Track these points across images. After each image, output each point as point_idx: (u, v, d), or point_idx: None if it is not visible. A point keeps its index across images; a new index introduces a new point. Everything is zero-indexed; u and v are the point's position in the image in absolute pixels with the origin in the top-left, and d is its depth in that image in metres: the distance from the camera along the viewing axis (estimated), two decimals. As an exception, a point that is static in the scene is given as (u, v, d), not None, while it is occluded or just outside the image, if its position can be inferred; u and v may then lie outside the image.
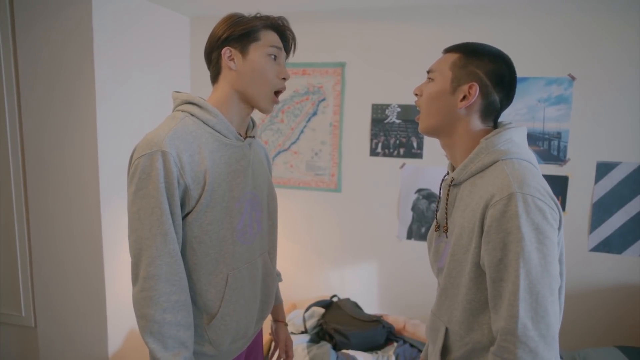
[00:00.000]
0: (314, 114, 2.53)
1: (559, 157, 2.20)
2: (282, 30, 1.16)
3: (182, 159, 1.00)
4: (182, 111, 1.10)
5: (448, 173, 1.07)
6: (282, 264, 2.68)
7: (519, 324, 0.82)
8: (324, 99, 2.51)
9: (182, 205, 1.03)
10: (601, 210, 2.17)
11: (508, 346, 0.83)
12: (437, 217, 1.10)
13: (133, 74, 2.20)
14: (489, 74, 0.96)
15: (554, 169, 2.20)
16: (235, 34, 1.09)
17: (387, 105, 2.41)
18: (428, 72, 1.04)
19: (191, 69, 2.69)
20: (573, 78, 2.15)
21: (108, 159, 2.05)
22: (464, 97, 0.97)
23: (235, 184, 1.11)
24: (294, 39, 1.19)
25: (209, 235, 1.07)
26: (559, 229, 0.90)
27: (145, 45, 2.28)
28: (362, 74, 2.43)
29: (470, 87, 0.96)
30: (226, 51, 1.10)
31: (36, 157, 2.08)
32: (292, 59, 2.77)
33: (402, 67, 2.37)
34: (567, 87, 2.16)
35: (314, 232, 2.61)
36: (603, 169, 2.15)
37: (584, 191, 2.19)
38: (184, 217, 1.05)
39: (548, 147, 2.19)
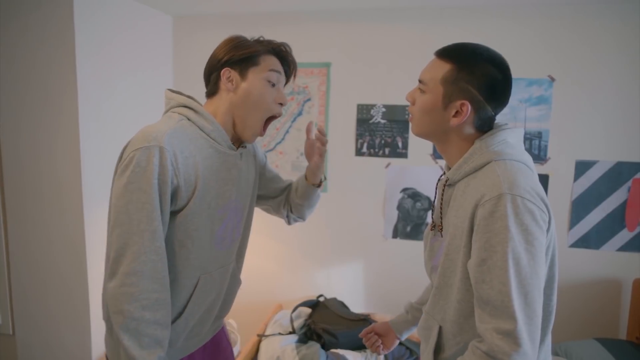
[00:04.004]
0: (299, 114, 2.53)
1: (539, 156, 2.26)
2: (283, 55, 1.16)
3: (178, 159, 1.00)
4: (178, 114, 1.09)
5: (444, 173, 1.08)
6: (268, 264, 2.66)
7: (517, 326, 0.82)
8: (309, 99, 2.51)
9: (170, 203, 1.02)
10: (580, 207, 2.24)
11: (504, 346, 0.82)
12: (433, 216, 1.11)
13: (116, 73, 2.16)
14: (481, 89, 0.94)
15: (535, 168, 2.26)
16: (235, 57, 1.09)
17: (372, 106, 2.43)
18: (419, 81, 1.01)
19: (174, 68, 2.65)
20: (553, 79, 2.21)
21: (91, 160, 2.00)
22: (456, 113, 0.96)
23: (223, 191, 1.11)
24: (294, 65, 1.19)
25: (192, 240, 1.07)
26: (548, 230, 0.91)
27: (128, 44, 2.23)
28: (348, 74, 2.44)
29: (462, 105, 0.95)
30: (225, 72, 1.09)
31: (14, 159, 2.01)
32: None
33: (387, 68, 2.39)
34: (547, 88, 2.21)
35: (300, 232, 2.60)
36: (581, 167, 2.22)
37: (563, 189, 2.25)
38: (170, 217, 1.03)
39: (529, 146, 2.25)
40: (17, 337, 2.14)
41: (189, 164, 1.02)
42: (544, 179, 2.26)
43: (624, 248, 2.21)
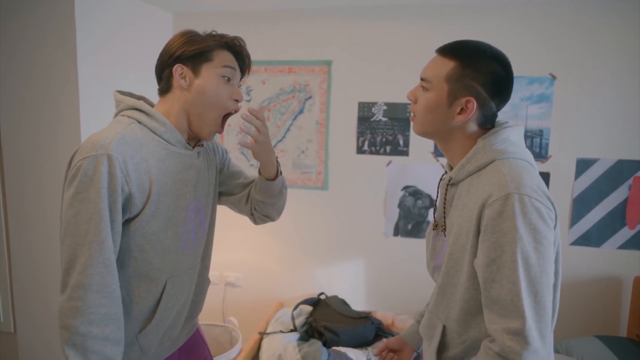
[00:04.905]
0: (300, 112, 2.53)
1: (541, 154, 2.26)
2: (237, 50, 1.12)
3: (128, 165, 0.96)
4: (128, 117, 1.05)
5: (446, 172, 1.08)
6: (269, 262, 2.67)
7: (526, 324, 0.83)
8: (310, 97, 2.51)
9: (124, 211, 0.99)
10: (581, 205, 2.24)
11: (514, 346, 0.83)
12: (435, 216, 1.11)
13: (117, 71, 2.15)
14: (486, 85, 0.94)
15: (536, 166, 2.26)
16: (187, 53, 1.06)
17: (374, 103, 2.43)
18: (422, 79, 1.00)
19: (174, 66, 2.64)
20: (554, 77, 2.21)
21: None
22: (461, 110, 0.96)
23: (182, 193, 1.09)
24: (249, 59, 1.16)
25: (152, 244, 1.04)
26: (555, 227, 0.92)
27: (129, 41, 2.23)
28: (349, 71, 2.44)
29: (467, 102, 0.95)
30: (177, 68, 1.06)
31: (15, 157, 2.01)
32: (278, 56, 2.74)
33: (389, 65, 2.39)
34: (549, 86, 2.21)
35: (301, 230, 2.60)
36: (582, 165, 2.22)
37: (564, 187, 2.25)
38: (124, 224, 1.01)
39: (530, 144, 2.25)
40: (18, 335, 2.14)
41: (141, 169, 0.99)
42: (544, 177, 2.26)
43: (624, 246, 2.21)
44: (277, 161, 1.25)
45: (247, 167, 2.63)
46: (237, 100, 1.12)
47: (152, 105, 1.14)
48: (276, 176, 1.25)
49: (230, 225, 2.48)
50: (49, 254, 2.04)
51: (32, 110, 1.96)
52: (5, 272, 2.11)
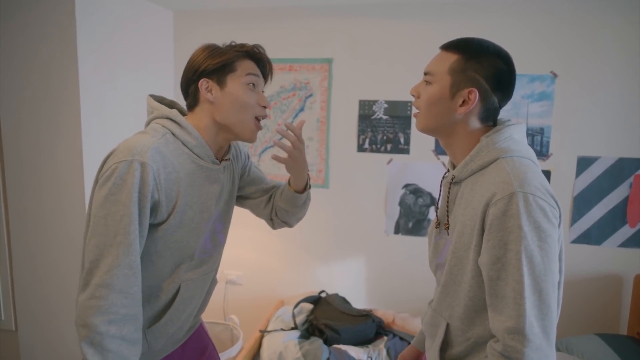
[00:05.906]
0: (301, 110, 2.52)
1: (541, 152, 2.26)
2: (258, 57, 1.15)
3: (161, 175, 1.00)
4: (162, 126, 1.08)
5: (449, 170, 1.08)
6: (270, 260, 2.67)
7: (526, 323, 0.83)
8: (311, 95, 2.50)
9: (150, 216, 1.02)
10: (581, 203, 2.24)
11: (516, 345, 0.84)
12: (438, 214, 1.11)
13: (117, 69, 2.15)
14: (488, 78, 0.95)
15: (539, 164, 2.26)
16: (211, 67, 1.08)
17: (374, 101, 2.42)
18: (425, 73, 1.02)
19: (175, 64, 2.63)
20: (555, 75, 2.21)
21: (93, 156, 1.99)
22: (463, 102, 0.96)
23: (206, 206, 1.12)
24: (270, 65, 1.18)
25: (171, 251, 1.08)
26: (559, 225, 0.92)
27: (129, 39, 2.22)
28: (350, 69, 2.43)
29: (469, 93, 0.95)
30: (203, 83, 1.08)
31: (16, 156, 2.01)
32: (279, 54, 2.74)
33: (389, 63, 2.38)
34: (550, 84, 2.21)
35: (302, 228, 2.60)
36: (583, 163, 2.22)
37: (565, 185, 2.25)
38: (149, 229, 1.04)
39: (531, 142, 2.25)
40: (19, 334, 2.14)
41: (171, 180, 1.03)
42: (545, 175, 2.25)
43: (625, 244, 2.21)
44: (308, 175, 1.28)
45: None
46: (264, 107, 1.14)
47: (183, 112, 1.16)
48: (304, 189, 1.28)
49: (231, 224, 2.48)
50: (50, 252, 2.04)
51: (33, 108, 1.95)
52: (6, 270, 2.11)
